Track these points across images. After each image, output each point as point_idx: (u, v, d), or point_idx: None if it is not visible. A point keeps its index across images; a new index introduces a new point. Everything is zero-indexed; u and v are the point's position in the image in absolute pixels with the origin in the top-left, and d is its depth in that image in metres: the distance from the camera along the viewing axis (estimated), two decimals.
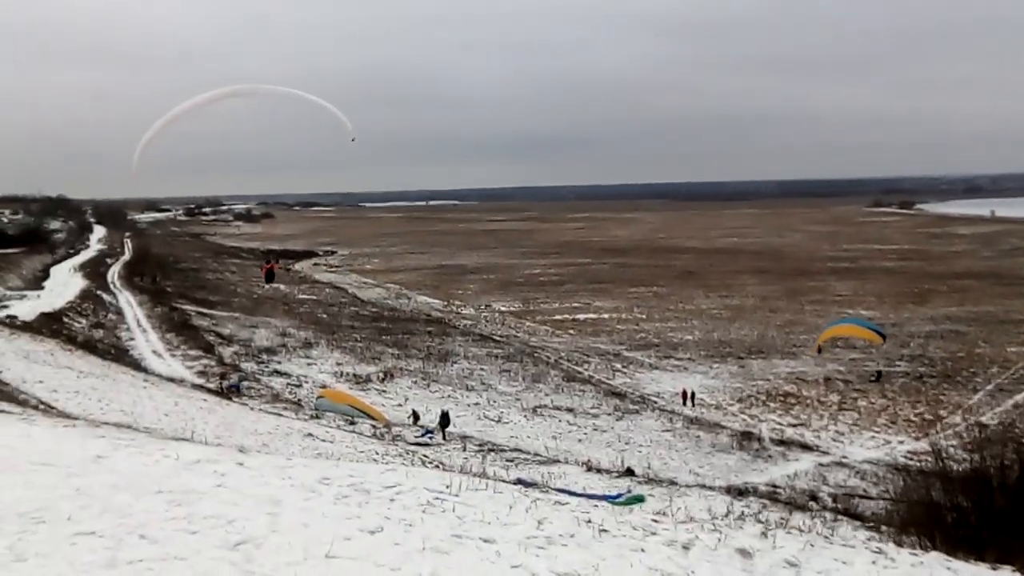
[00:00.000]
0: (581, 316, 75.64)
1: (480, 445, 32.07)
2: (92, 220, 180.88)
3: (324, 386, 42.75)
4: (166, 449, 9.39)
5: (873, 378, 49.02)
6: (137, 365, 41.30)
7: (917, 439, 38.69)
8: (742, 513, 14.86)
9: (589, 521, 7.18)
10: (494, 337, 65.21)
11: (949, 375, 50.25)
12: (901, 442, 38.51)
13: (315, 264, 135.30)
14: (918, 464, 32.67)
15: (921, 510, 14.09)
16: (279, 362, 50.11)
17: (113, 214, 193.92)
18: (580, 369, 54.23)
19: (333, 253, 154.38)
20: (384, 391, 44.78)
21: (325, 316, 73.08)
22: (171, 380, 37.01)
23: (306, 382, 44.89)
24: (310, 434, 25.38)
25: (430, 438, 32.23)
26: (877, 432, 40.18)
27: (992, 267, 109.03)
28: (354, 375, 47.86)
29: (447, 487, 8.40)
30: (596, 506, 9.23)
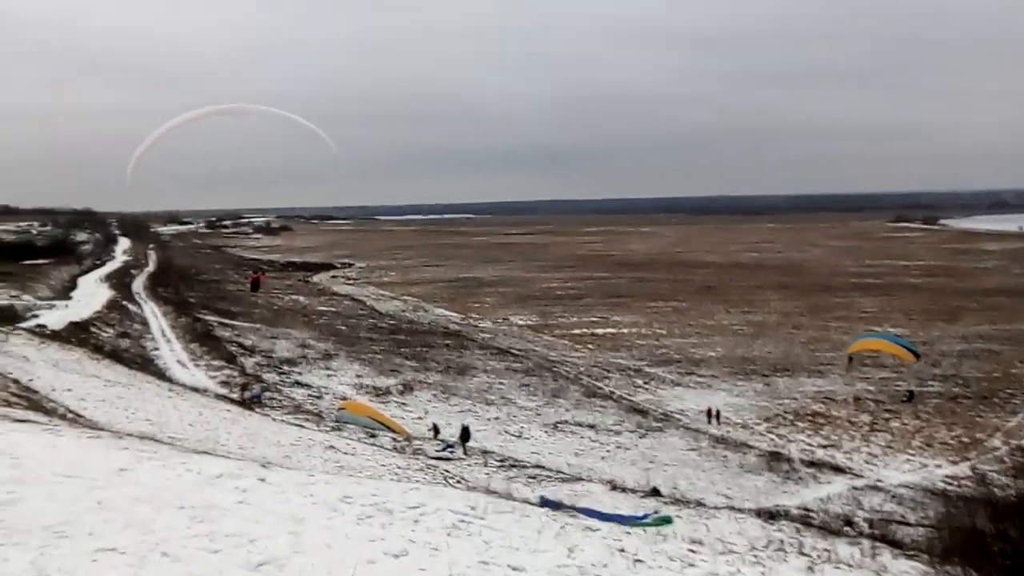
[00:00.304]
0: (600, 330, 74.94)
1: (501, 460, 31.79)
2: (117, 232, 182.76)
3: (344, 398, 42.74)
4: (189, 462, 9.30)
5: (905, 398, 47.74)
6: (162, 374, 41.52)
7: (955, 463, 37.48)
8: (781, 542, 14.42)
9: (622, 550, 6.96)
10: (512, 351, 64.74)
11: (985, 396, 48.68)
12: (938, 466, 37.24)
13: (333, 276, 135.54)
14: (958, 489, 31.86)
15: (964, 538, 13.45)
16: (300, 373, 50.19)
17: (137, 226, 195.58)
18: (600, 384, 53.57)
19: (350, 265, 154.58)
20: (404, 404, 44.64)
21: (344, 328, 73.09)
22: (195, 390, 37.14)
23: (326, 393, 44.88)
24: (332, 446, 25.27)
25: (451, 452, 32.02)
26: (912, 455, 38.83)
27: None
28: (374, 387, 47.80)
29: (472, 509, 8.21)
30: (628, 533, 9.00)
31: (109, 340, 50.82)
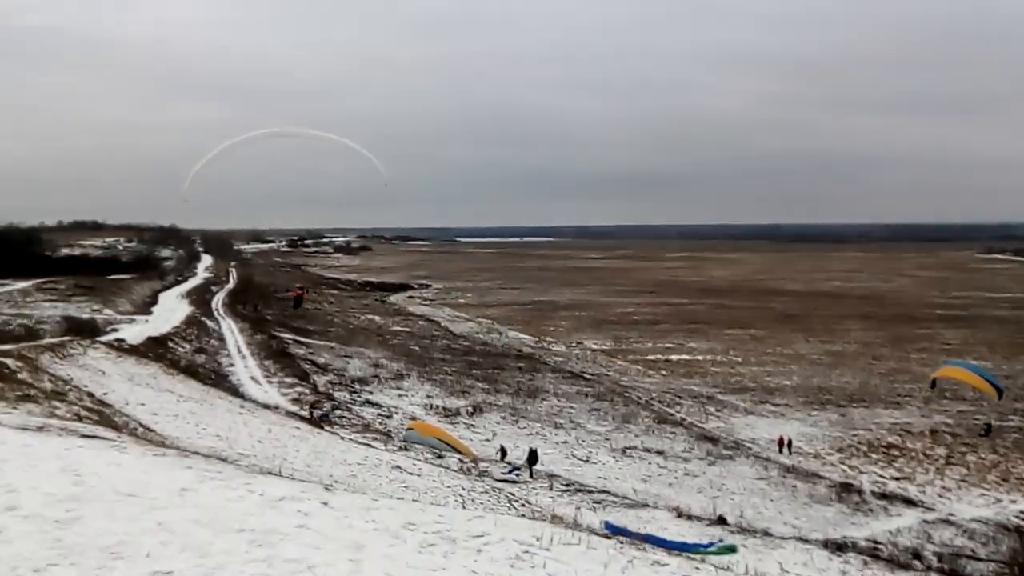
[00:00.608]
0: (674, 357, 74.24)
1: (567, 485, 31.54)
2: (200, 249, 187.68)
3: (414, 418, 43.01)
4: (252, 484, 9.28)
5: (983, 432, 46.36)
6: (235, 391, 42.26)
7: None
8: None
9: None
10: (584, 375, 64.51)
11: None
12: (1013, 501, 36.17)
13: (409, 297, 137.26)
14: None
15: None
16: (371, 392, 50.75)
17: (220, 244, 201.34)
18: (672, 411, 53.01)
19: (427, 286, 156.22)
20: (472, 425, 44.75)
21: (417, 348, 73.81)
22: (266, 407, 37.72)
23: (396, 413, 45.27)
24: (398, 466, 25.31)
25: (517, 475, 31.86)
26: (987, 489, 37.72)
27: None
28: (443, 408, 48.04)
29: (537, 539, 8.08)
30: (698, 568, 8.71)
31: (185, 355, 51.83)
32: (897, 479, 39.16)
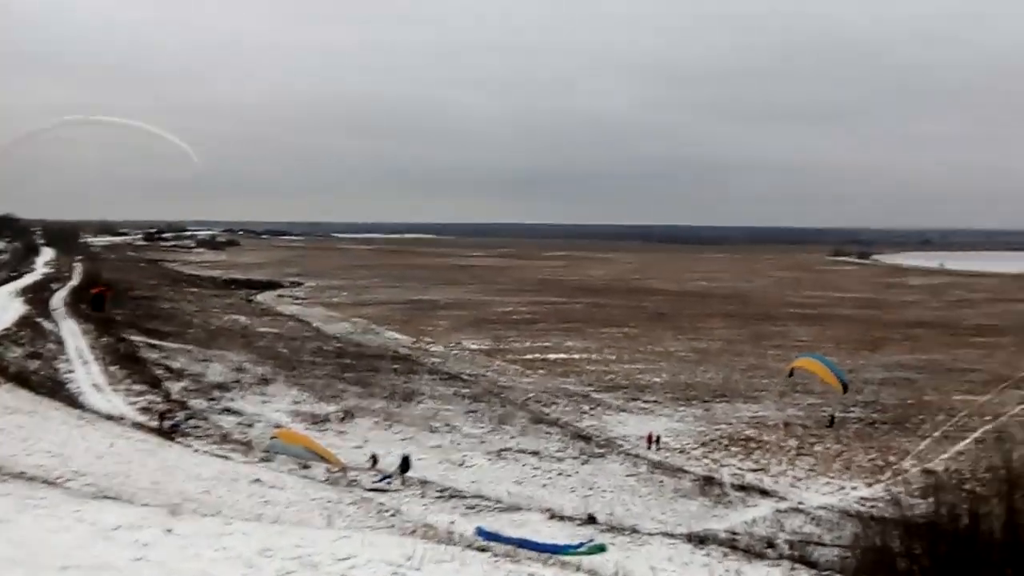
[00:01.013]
0: (552, 356, 75.09)
1: (441, 491, 30.92)
2: (40, 242, 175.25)
3: (278, 426, 41.15)
4: (82, 511, 8.29)
5: (828, 423, 49.63)
6: (73, 400, 38.41)
7: (869, 485, 39.25)
8: None
9: None
10: (462, 376, 64.13)
11: (899, 422, 51.09)
12: (854, 488, 38.89)
13: (279, 296, 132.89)
14: (870, 510, 33.45)
15: (875, 557, 14.06)
16: (232, 399, 48.19)
17: (65, 236, 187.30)
18: (548, 411, 53.48)
19: (299, 284, 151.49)
20: (343, 432, 43.49)
21: (285, 351, 71.21)
22: (110, 418, 34.61)
23: (259, 421, 43.16)
24: (258, 479, 23.94)
25: (388, 483, 30.98)
26: (832, 478, 40.44)
27: (940, 317, 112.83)
28: (311, 414, 46.38)
29: (408, 559, 7.66)
30: None
31: (15, 361, 46.14)
32: (754, 471, 41.31)
